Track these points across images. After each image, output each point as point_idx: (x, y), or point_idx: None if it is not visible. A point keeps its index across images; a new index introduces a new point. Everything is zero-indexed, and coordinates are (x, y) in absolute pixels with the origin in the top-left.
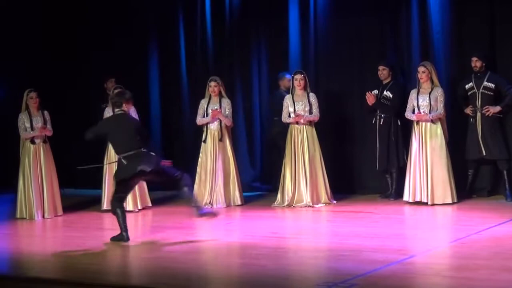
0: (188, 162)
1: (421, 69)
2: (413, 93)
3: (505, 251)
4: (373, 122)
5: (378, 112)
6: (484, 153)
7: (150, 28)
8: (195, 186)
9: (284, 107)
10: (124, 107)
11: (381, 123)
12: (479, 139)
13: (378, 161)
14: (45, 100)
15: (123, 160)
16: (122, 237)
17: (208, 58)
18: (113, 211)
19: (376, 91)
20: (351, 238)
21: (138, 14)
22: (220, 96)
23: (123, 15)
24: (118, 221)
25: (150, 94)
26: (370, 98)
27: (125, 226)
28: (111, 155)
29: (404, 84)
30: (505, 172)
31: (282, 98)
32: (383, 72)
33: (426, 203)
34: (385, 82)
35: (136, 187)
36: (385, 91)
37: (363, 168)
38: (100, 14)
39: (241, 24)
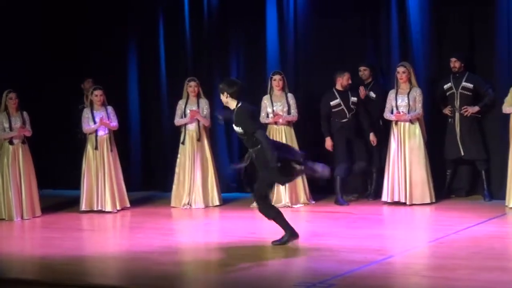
0: (166, 163)
1: (401, 69)
2: (391, 94)
3: (484, 251)
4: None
5: (362, 112)
6: (462, 153)
7: (130, 28)
8: (174, 187)
9: (262, 108)
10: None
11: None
12: (457, 139)
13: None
14: (24, 100)
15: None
16: (292, 235)
17: (187, 58)
18: (273, 216)
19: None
20: (329, 238)
21: (117, 14)
22: (198, 96)
23: (102, 14)
24: (282, 223)
25: (128, 94)
26: (363, 92)
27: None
28: (89, 157)
29: (384, 84)
30: (483, 172)
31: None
32: (365, 73)
33: (405, 203)
34: (366, 82)
35: (115, 187)
36: (367, 91)
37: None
38: (78, 14)
39: (220, 25)
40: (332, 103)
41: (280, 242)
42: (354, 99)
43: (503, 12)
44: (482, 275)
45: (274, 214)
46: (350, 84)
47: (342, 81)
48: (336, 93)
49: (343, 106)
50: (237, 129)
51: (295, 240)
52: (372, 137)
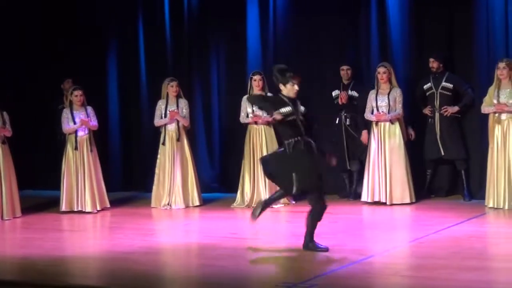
0: (146, 163)
1: (381, 69)
2: (372, 94)
3: (463, 251)
4: (337, 122)
5: (343, 112)
6: (442, 153)
7: (109, 28)
8: (154, 187)
9: (242, 108)
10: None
11: (347, 123)
12: (437, 139)
13: (350, 161)
14: (4, 100)
15: None
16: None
17: (167, 58)
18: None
19: (337, 91)
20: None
21: (97, 14)
22: (178, 96)
23: (82, 15)
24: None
25: (108, 94)
26: (344, 97)
27: None
28: (69, 157)
29: (364, 85)
30: (463, 172)
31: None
32: (347, 72)
33: (385, 203)
34: (347, 82)
35: (95, 187)
36: (349, 90)
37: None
38: (57, 14)
39: (200, 24)
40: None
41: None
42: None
43: (482, 12)
44: (462, 275)
45: None
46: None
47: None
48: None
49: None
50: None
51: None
52: (364, 135)
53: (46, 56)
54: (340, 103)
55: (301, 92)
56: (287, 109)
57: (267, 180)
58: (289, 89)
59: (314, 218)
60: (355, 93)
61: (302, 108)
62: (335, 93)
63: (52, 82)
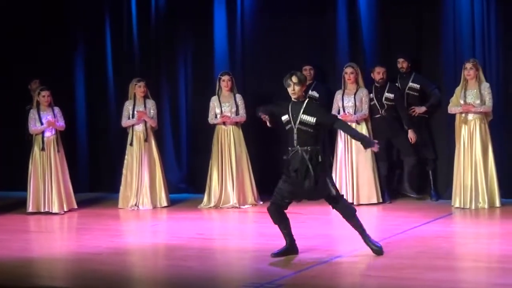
0: (114, 164)
1: (348, 70)
2: (338, 94)
3: (430, 250)
4: None
5: None
6: None
7: (76, 29)
8: (121, 188)
9: (210, 108)
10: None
11: None
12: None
13: None
14: None
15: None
16: None
17: (134, 59)
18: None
19: None
20: (277, 239)
21: (64, 14)
22: (145, 97)
23: (49, 15)
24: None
25: (75, 95)
26: None
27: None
28: (36, 158)
29: (328, 85)
30: (430, 172)
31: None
32: (310, 72)
33: (352, 203)
34: (308, 82)
35: (62, 188)
36: (310, 91)
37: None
38: (24, 14)
39: (167, 26)
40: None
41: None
42: (389, 95)
43: (449, 13)
44: (429, 275)
45: None
46: (383, 79)
47: (373, 75)
48: (372, 88)
49: (375, 101)
50: (309, 119)
51: None
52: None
53: (13, 56)
54: None
55: (268, 91)
56: (284, 117)
57: (235, 181)
58: (290, 93)
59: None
60: (315, 94)
61: (306, 117)
62: None
63: (19, 83)
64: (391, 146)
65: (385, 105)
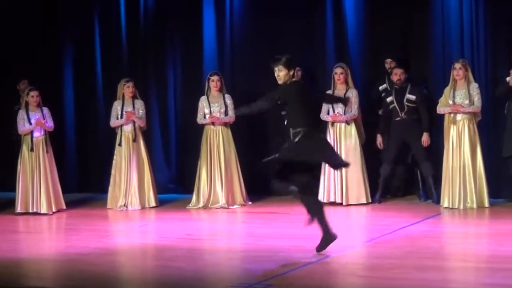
0: (102, 164)
1: (338, 70)
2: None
3: (419, 251)
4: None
5: None
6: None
7: (65, 29)
8: (110, 188)
9: (199, 109)
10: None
11: None
12: None
13: None
14: None
15: None
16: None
17: (122, 59)
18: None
19: None
20: (266, 239)
21: (53, 14)
22: (134, 97)
23: (37, 15)
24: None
25: (64, 95)
26: None
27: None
28: (25, 158)
29: (316, 86)
30: (418, 173)
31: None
32: (297, 73)
33: (341, 204)
34: None
35: (50, 189)
36: None
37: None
38: (12, 14)
39: (156, 25)
40: (387, 99)
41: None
42: (411, 96)
43: (438, 14)
44: (418, 274)
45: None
46: (401, 80)
47: (392, 77)
48: (393, 90)
49: (395, 104)
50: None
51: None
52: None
53: (1, 56)
54: None
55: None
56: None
57: (223, 181)
58: (276, 78)
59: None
60: None
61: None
62: None
63: (8, 83)
64: (406, 149)
65: (406, 107)
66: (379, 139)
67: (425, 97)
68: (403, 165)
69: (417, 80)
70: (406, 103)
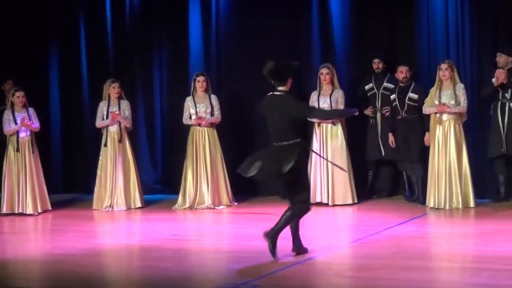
0: (88, 165)
1: (324, 70)
2: (314, 95)
3: (405, 251)
4: None
5: None
6: (383, 154)
7: (50, 29)
8: (95, 189)
9: (185, 109)
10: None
11: None
12: (378, 139)
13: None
14: None
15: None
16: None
17: (108, 60)
18: None
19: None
20: (252, 239)
21: (38, 14)
22: (120, 98)
23: (22, 15)
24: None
25: (50, 96)
26: None
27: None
28: (11, 158)
29: (302, 86)
30: (404, 173)
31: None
32: None
33: (327, 204)
34: None
35: (36, 189)
36: None
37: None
38: None
39: (142, 25)
40: (391, 97)
41: None
42: (413, 95)
43: (423, 13)
44: (404, 275)
45: None
46: (406, 78)
47: (397, 75)
48: (397, 88)
49: (397, 102)
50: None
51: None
52: None
53: None
54: None
55: (243, 92)
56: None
57: (209, 182)
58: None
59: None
60: None
61: None
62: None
63: None
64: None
65: (406, 105)
66: (391, 138)
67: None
68: (389, 165)
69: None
70: (408, 102)
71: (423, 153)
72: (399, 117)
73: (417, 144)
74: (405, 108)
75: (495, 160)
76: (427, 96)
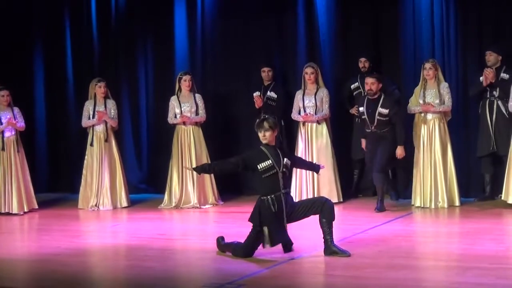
0: (74, 164)
1: (309, 70)
2: (298, 94)
3: (390, 250)
4: None
5: (262, 113)
6: None
7: (35, 29)
8: (81, 189)
9: (170, 109)
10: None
11: None
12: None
13: None
14: None
15: None
16: None
17: (94, 59)
18: None
19: (258, 93)
20: (238, 239)
21: (22, 13)
22: (106, 97)
23: (6, 14)
24: None
25: (35, 95)
26: (258, 101)
27: None
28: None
29: (286, 86)
30: (389, 172)
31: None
32: (268, 74)
33: None
34: (267, 83)
35: (22, 189)
36: (268, 91)
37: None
38: None
39: (128, 25)
40: (360, 109)
41: None
42: (383, 110)
43: (409, 13)
44: (390, 274)
45: None
46: (372, 91)
47: (365, 85)
48: (365, 100)
49: (365, 116)
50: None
51: None
52: None
53: None
54: (256, 107)
55: (228, 91)
56: (266, 163)
57: (195, 181)
58: (261, 138)
59: None
60: (273, 94)
61: (285, 160)
62: (256, 94)
63: None
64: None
65: (376, 120)
66: (363, 143)
67: (399, 110)
68: None
69: (390, 78)
70: (378, 117)
71: (389, 165)
72: (368, 130)
73: (382, 155)
74: (375, 123)
75: (482, 159)
76: (397, 107)
